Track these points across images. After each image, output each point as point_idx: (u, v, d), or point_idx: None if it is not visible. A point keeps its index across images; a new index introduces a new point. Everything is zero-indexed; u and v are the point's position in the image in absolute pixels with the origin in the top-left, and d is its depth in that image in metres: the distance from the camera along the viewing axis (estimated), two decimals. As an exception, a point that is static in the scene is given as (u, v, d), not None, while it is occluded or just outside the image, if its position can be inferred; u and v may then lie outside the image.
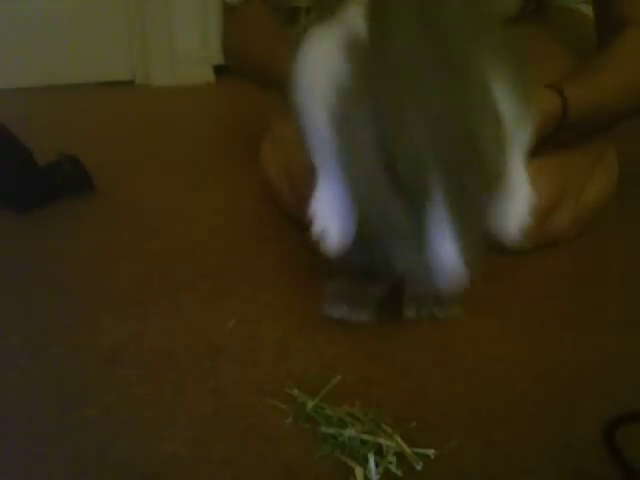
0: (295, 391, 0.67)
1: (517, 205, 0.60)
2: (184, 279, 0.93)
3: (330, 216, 0.58)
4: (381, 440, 0.59)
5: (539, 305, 0.69)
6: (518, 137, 0.57)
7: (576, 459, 0.58)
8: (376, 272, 0.58)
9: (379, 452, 0.58)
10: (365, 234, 0.54)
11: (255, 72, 1.06)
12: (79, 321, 0.83)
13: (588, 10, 1.03)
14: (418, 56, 0.49)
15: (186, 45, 2.44)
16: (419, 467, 0.57)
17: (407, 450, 0.58)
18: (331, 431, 0.61)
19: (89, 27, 2.38)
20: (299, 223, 0.80)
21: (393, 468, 0.56)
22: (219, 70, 2.32)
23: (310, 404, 0.64)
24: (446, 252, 0.47)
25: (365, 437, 0.59)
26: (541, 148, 0.80)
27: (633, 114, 0.97)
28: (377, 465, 0.57)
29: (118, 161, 1.48)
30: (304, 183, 0.70)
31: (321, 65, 0.56)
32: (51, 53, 2.34)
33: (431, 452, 0.58)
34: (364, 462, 0.57)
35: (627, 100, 0.94)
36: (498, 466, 0.57)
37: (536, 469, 0.57)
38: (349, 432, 0.60)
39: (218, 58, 2.14)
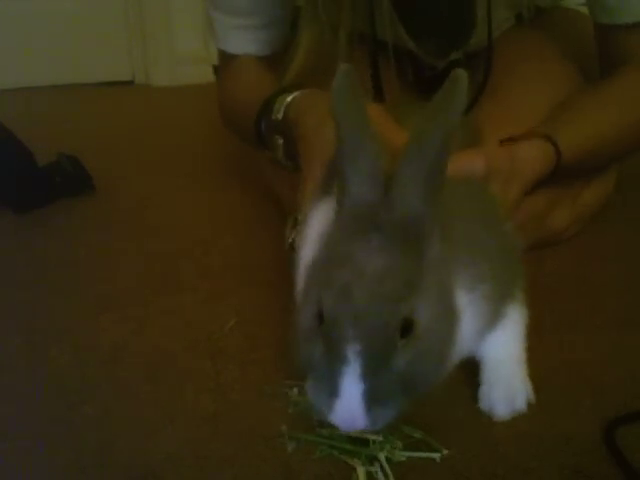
0: (295, 390, 0.67)
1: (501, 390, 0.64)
2: (184, 279, 0.93)
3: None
4: (370, 437, 0.59)
5: (539, 305, 0.69)
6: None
7: (576, 459, 0.58)
8: None
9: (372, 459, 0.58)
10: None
11: (245, 133, 1.03)
12: (79, 321, 0.83)
13: (587, 11, 1.03)
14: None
15: (186, 45, 2.44)
16: (403, 458, 0.57)
17: (399, 446, 0.58)
18: (324, 432, 0.61)
19: (89, 27, 2.38)
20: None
21: (387, 468, 0.56)
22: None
23: (309, 405, 0.64)
24: (350, 409, 0.50)
25: (355, 434, 0.59)
26: (537, 189, 0.82)
27: (630, 153, 0.98)
28: (381, 466, 0.57)
29: (118, 161, 1.48)
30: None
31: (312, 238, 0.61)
32: (51, 53, 2.34)
33: (437, 456, 0.58)
34: (365, 462, 0.57)
35: (622, 143, 0.93)
36: (498, 466, 0.57)
37: (536, 469, 0.57)
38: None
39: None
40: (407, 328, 0.50)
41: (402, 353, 0.50)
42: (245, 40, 1.04)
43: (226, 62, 1.09)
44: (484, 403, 0.64)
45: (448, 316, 0.54)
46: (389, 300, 0.50)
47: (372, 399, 0.49)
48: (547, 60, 1.04)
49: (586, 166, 0.91)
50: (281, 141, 0.89)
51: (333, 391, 0.50)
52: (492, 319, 0.61)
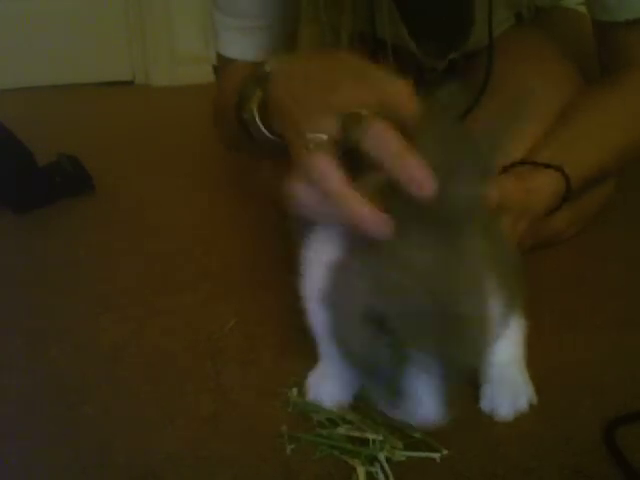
0: (295, 391, 0.67)
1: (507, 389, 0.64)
2: (184, 279, 0.93)
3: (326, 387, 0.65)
4: (370, 437, 0.59)
5: (539, 305, 0.69)
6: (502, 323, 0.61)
7: (576, 459, 0.58)
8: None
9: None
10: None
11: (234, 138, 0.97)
12: (79, 321, 0.83)
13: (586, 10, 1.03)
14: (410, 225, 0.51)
15: (186, 45, 2.44)
16: (403, 458, 0.57)
17: (399, 446, 0.58)
18: (324, 432, 0.61)
19: (89, 27, 2.38)
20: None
21: (387, 468, 0.56)
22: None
23: (309, 405, 0.64)
24: (426, 403, 0.51)
25: (355, 434, 0.60)
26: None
27: (634, 162, 0.97)
28: (381, 466, 0.57)
29: (118, 161, 1.48)
30: None
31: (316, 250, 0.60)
32: (51, 53, 2.34)
33: (437, 456, 0.58)
34: (365, 462, 0.57)
35: (626, 158, 0.93)
36: (498, 466, 0.57)
37: (536, 469, 0.57)
38: (341, 431, 0.60)
39: (218, 58, 2.14)
40: (465, 321, 0.51)
41: (462, 346, 0.51)
42: (243, 44, 1.03)
43: (223, 65, 1.08)
44: (486, 403, 0.64)
45: (489, 311, 0.54)
46: (450, 295, 0.50)
47: (442, 393, 0.50)
48: (547, 60, 1.04)
49: (589, 185, 0.92)
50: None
51: (406, 391, 0.50)
52: (499, 330, 0.61)
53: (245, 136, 0.82)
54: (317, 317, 0.61)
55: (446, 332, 0.50)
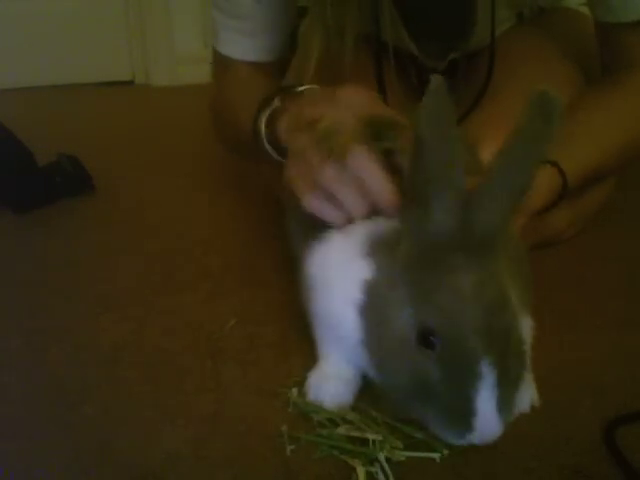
0: (294, 391, 0.67)
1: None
2: (184, 279, 0.93)
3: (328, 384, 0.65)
4: (370, 437, 0.59)
5: (539, 305, 0.69)
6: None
7: (576, 459, 0.58)
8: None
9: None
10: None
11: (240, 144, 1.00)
12: (79, 321, 0.83)
13: (588, 11, 1.03)
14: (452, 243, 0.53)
15: (186, 45, 2.45)
16: (403, 458, 0.57)
17: (399, 446, 0.58)
18: (324, 432, 0.61)
19: (89, 27, 2.38)
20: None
21: (387, 468, 0.56)
22: (219, 70, 2.32)
23: (308, 405, 0.64)
24: (491, 422, 0.52)
25: (355, 434, 0.60)
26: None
27: (633, 163, 0.98)
28: (381, 466, 0.57)
29: (118, 161, 1.48)
30: None
31: (342, 262, 0.61)
32: (51, 53, 2.34)
33: (437, 456, 0.58)
34: (365, 462, 0.57)
35: (625, 157, 0.94)
36: (498, 466, 0.57)
37: (536, 469, 0.57)
38: (341, 431, 0.60)
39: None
40: (510, 334, 0.53)
41: (514, 359, 0.53)
42: (244, 45, 1.03)
43: (224, 65, 1.07)
44: None
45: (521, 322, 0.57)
46: (499, 311, 0.53)
47: (502, 408, 0.52)
48: (548, 61, 1.04)
49: (588, 183, 0.92)
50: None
51: (468, 410, 0.51)
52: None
53: (256, 143, 0.84)
54: (343, 320, 0.60)
55: (499, 345, 0.52)
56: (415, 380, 0.54)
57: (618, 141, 0.91)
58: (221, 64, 1.06)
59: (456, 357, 0.51)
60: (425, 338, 0.53)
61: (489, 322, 0.51)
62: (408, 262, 0.55)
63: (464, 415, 0.52)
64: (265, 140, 0.82)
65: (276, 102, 0.83)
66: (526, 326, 0.63)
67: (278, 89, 0.86)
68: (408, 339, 0.54)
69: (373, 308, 0.58)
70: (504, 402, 0.52)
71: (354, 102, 0.70)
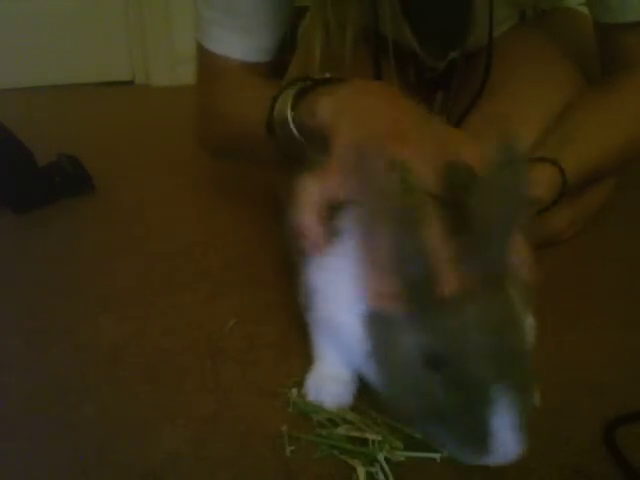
0: (294, 391, 0.67)
1: None
2: (184, 279, 0.93)
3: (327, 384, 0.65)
4: (370, 437, 0.59)
5: (539, 305, 0.69)
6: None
7: (576, 459, 0.58)
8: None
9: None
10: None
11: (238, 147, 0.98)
12: (79, 321, 0.83)
13: (587, 10, 1.03)
14: None
15: (186, 45, 2.43)
16: (403, 458, 0.57)
17: (399, 446, 0.58)
18: (324, 432, 0.61)
19: (89, 27, 2.38)
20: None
21: (387, 468, 0.56)
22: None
23: (308, 405, 0.64)
24: (509, 442, 0.51)
25: (355, 434, 0.60)
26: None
27: (633, 162, 0.98)
28: (381, 466, 0.57)
29: (118, 161, 1.48)
30: None
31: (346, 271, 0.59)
32: (51, 53, 2.34)
33: (437, 456, 0.58)
34: (365, 462, 0.57)
35: (625, 157, 0.94)
36: (498, 466, 0.57)
37: (536, 469, 0.57)
38: (341, 431, 0.60)
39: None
40: (521, 355, 0.53)
41: (525, 377, 0.53)
42: (243, 44, 1.02)
43: (216, 64, 1.05)
44: None
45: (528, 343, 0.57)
46: (503, 334, 0.52)
47: (518, 428, 0.51)
48: (548, 61, 1.04)
49: (588, 183, 0.92)
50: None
51: (484, 433, 0.50)
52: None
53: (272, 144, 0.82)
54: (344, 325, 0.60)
55: (512, 366, 0.51)
56: (424, 402, 0.53)
57: (617, 141, 0.91)
58: (214, 64, 1.04)
59: (464, 382, 0.51)
60: (431, 361, 0.52)
61: (497, 344, 0.51)
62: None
63: (479, 438, 0.51)
64: (291, 121, 0.78)
65: (300, 84, 0.78)
66: (528, 326, 0.63)
67: (297, 77, 0.82)
68: (414, 359, 0.53)
69: (378, 321, 0.56)
70: (518, 422, 0.51)
71: (431, 140, 0.63)
